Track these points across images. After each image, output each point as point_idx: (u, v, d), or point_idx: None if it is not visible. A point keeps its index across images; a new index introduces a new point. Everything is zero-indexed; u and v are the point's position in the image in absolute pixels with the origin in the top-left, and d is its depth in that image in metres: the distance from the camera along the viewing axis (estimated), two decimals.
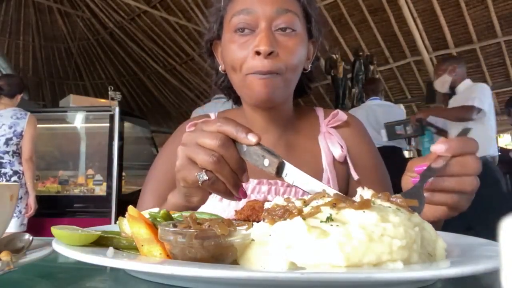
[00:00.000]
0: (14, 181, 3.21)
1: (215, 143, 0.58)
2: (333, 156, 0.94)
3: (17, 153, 3.28)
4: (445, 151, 0.60)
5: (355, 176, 0.92)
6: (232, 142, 0.60)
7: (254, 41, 0.81)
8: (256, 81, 0.82)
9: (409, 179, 0.67)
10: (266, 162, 0.58)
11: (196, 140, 0.60)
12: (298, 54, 0.84)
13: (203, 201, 0.68)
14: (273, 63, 0.80)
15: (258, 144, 0.59)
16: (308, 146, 0.95)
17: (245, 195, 0.63)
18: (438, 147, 0.61)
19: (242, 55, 0.82)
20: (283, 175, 0.59)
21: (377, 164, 0.98)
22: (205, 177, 0.59)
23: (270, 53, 0.80)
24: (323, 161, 0.94)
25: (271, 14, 0.82)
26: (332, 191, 0.54)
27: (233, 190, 0.61)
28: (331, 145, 0.94)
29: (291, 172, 0.59)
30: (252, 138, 0.58)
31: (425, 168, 0.61)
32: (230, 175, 0.59)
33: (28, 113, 3.36)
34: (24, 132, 3.28)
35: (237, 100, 1.03)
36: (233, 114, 1.01)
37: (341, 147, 0.94)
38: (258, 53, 0.80)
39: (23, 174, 3.26)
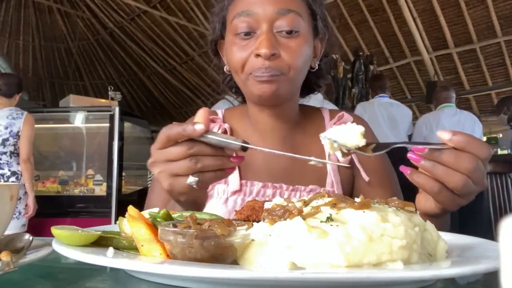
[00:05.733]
0: (13, 182, 3.19)
1: (183, 150, 0.60)
2: (338, 159, 0.93)
3: (15, 154, 3.23)
4: (448, 140, 0.58)
5: (365, 177, 0.91)
6: (193, 140, 0.61)
7: (255, 43, 0.80)
8: (257, 80, 0.81)
9: (421, 195, 0.69)
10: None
11: (165, 157, 0.62)
12: (302, 54, 0.83)
13: (205, 196, 0.72)
14: (275, 64, 0.79)
15: (207, 132, 0.60)
16: (314, 148, 0.94)
17: (240, 157, 0.64)
18: (443, 134, 0.59)
19: (243, 56, 0.82)
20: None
21: (385, 165, 0.96)
22: (195, 179, 0.61)
23: (272, 55, 0.79)
24: (327, 164, 0.93)
25: (272, 15, 0.81)
26: None
27: (225, 167, 0.63)
28: None
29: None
30: (198, 126, 0.59)
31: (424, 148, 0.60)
32: (214, 161, 0.62)
33: (25, 113, 3.28)
34: (21, 132, 3.21)
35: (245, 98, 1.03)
36: (238, 112, 1.01)
37: None
38: (259, 55, 0.79)
39: (21, 174, 3.21)
